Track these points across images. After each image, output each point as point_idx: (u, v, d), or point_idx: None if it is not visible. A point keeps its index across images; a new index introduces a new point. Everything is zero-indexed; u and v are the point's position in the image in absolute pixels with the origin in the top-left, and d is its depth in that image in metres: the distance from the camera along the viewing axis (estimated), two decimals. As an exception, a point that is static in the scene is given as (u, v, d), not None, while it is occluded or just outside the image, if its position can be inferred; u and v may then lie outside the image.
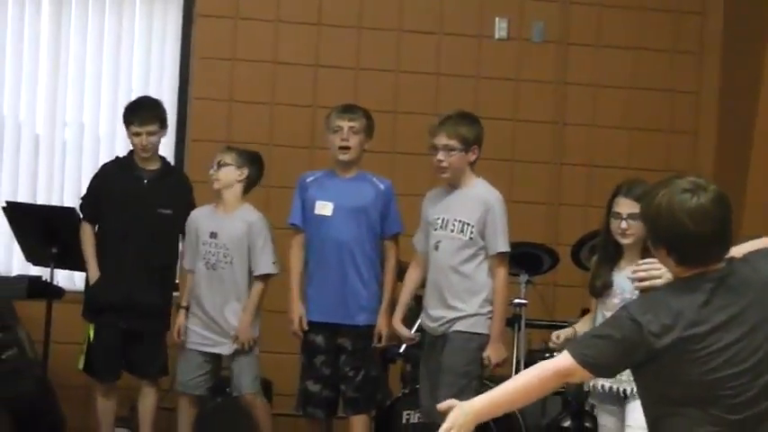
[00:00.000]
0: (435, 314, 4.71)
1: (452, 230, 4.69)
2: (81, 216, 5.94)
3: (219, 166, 5.22)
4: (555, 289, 6.06)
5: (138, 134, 5.72)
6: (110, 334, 5.70)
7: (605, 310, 4.09)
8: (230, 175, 5.20)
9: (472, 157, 4.71)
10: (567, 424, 5.14)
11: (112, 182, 5.93)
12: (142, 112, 5.78)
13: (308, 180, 5.18)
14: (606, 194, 4.25)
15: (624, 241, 4.10)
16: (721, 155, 6.63)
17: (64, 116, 6.94)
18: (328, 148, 5.20)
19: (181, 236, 5.81)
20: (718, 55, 6.72)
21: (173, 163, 6.31)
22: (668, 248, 2.76)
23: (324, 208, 5.06)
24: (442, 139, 4.65)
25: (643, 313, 2.67)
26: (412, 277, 4.93)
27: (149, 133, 5.71)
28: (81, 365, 5.86)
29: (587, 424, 5.05)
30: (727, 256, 2.80)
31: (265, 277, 5.23)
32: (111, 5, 6.68)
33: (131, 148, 5.90)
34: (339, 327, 4.99)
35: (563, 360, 2.79)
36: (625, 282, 4.02)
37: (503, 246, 4.72)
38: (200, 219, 5.31)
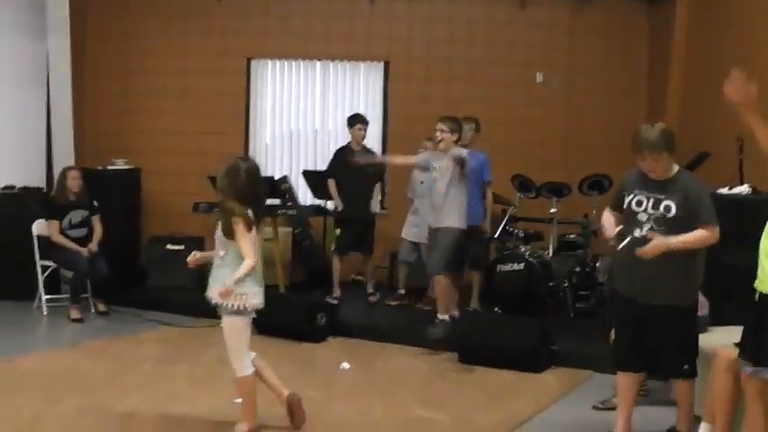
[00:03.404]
0: None
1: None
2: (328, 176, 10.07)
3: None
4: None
5: (361, 130, 9.89)
6: (349, 233, 9.83)
7: None
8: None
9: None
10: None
11: (341, 159, 9.88)
12: (363, 118, 9.99)
13: None
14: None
15: None
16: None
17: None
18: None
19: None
20: None
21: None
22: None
23: None
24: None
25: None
26: None
27: (364, 130, 9.85)
28: (333, 248, 10.11)
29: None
30: None
31: None
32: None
33: (349, 140, 10.01)
34: None
35: None
36: None
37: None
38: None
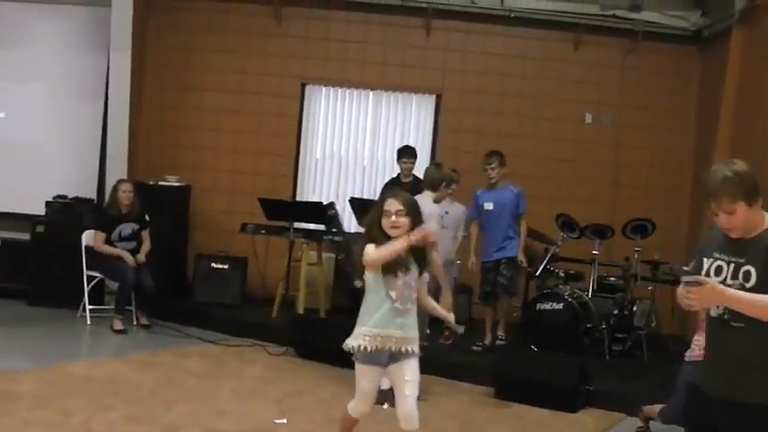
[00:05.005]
0: None
1: None
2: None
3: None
4: None
5: (406, 163, 9.98)
6: None
7: None
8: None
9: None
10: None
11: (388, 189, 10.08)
12: (410, 152, 10.07)
13: None
14: None
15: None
16: None
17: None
18: None
19: None
20: None
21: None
22: None
23: None
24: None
25: None
26: None
27: (411, 163, 9.93)
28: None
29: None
30: None
31: None
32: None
33: (399, 172, 10.10)
34: None
35: None
36: None
37: None
38: None
